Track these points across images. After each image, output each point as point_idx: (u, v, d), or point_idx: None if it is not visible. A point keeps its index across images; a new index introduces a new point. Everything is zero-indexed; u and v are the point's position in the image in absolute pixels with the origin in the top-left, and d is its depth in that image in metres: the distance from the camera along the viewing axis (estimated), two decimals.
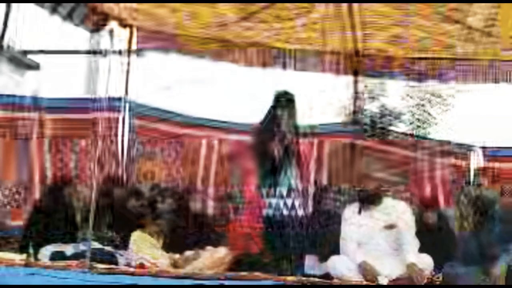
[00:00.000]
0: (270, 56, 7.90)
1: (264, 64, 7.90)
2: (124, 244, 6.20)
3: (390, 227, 5.46)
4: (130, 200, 6.83)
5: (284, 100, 5.93)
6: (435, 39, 7.10)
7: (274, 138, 5.78)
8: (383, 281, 5.18)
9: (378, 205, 5.51)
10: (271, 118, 5.93)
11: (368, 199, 5.52)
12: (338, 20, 6.83)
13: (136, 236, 6.09)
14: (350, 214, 5.61)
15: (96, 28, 7.11)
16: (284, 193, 5.74)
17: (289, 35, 7.51)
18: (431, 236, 6.05)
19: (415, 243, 5.41)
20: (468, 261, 5.12)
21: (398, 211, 5.52)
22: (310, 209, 6.52)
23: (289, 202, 5.73)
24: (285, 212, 5.72)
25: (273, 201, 5.75)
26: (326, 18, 6.77)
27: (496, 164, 7.43)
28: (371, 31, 7.12)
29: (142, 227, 6.62)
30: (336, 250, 5.54)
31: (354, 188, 5.69)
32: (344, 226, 5.57)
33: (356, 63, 7.89)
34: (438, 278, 5.32)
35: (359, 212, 5.56)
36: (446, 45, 7.22)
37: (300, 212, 5.78)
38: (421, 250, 5.43)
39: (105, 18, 7.11)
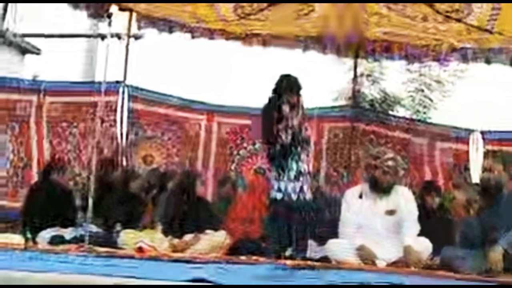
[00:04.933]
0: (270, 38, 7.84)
1: (264, 44, 7.86)
2: (122, 227, 6.21)
3: (391, 212, 5.44)
4: (129, 184, 6.82)
5: (289, 84, 5.89)
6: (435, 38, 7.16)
7: (281, 122, 5.76)
8: (381, 264, 5.18)
9: (387, 195, 5.48)
10: (276, 101, 5.90)
11: (380, 188, 5.47)
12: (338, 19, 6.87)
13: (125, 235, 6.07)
14: (351, 198, 5.58)
15: (97, 13, 7.07)
16: (293, 177, 5.73)
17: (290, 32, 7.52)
18: (431, 220, 6.03)
19: (415, 228, 5.39)
20: (467, 245, 5.12)
21: (400, 197, 5.50)
22: (315, 192, 6.49)
23: (297, 185, 5.71)
24: (293, 196, 5.70)
25: (282, 184, 5.73)
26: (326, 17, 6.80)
27: (498, 148, 7.44)
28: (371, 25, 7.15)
29: (141, 211, 6.65)
30: (334, 233, 5.53)
31: (366, 174, 5.62)
32: (345, 209, 5.56)
33: (357, 46, 7.83)
34: (435, 261, 5.32)
35: (360, 196, 5.54)
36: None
37: (308, 196, 5.76)
38: (420, 234, 5.42)
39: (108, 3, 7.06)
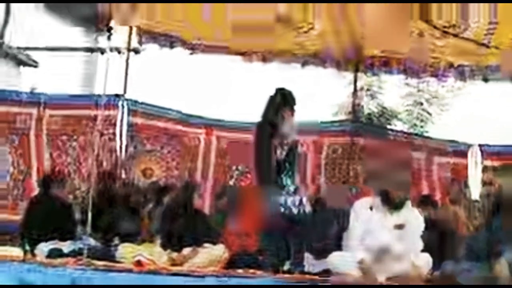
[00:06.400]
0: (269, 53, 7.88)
1: (264, 60, 7.89)
2: (120, 241, 6.20)
3: (400, 227, 5.43)
4: (128, 197, 6.82)
5: (283, 98, 5.89)
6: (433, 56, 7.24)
7: (275, 136, 5.75)
8: (381, 278, 5.18)
9: (399, 210, 5.48)
10: (270, 115, 5.89)
11: (392, 203, 5.46)
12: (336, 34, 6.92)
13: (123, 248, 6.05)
14: (360, 208, 5.56)
15: (97, 27, 7.09)
16: (288, 191, 5.70)
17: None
18: (429, 234, 6.03)
19: (418, 243, 5.42)
20: (471, 258, 5.15)
21: (410, 212, 5.51)
22: (315, 206, 6.49)
23: (291, 200, 5.69)
24: (293, 209, 5.66)
25: (277, 199, 5.70)
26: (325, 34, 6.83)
27: (497, 162, 7.47)
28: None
29: (140, 224, 6.64)
30: (335, 246, 5.53)
31: (381, 190, 5.59)
32: (353, 220, 5.53)
33: (356, 61, 7.87)
34: (435, 275, 5.33)
35: (370, 208, 5.51)
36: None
37: (307, 209, 5.74)
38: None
39: (108, 17, 7.07)
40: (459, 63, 7.44)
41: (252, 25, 6.79)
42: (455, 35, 6.65)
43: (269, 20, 6.66)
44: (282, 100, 5.86)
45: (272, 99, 5.89)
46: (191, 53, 7.75)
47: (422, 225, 5.50)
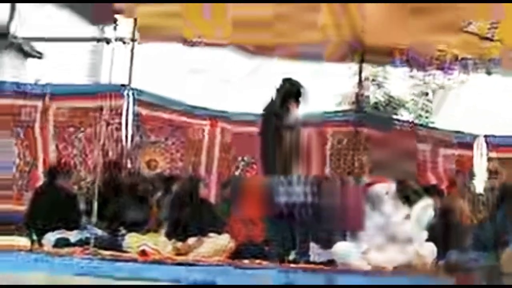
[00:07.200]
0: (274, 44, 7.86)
1: (267, 52, 7.87)
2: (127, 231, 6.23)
3: (408, 216, 5.46)
4: (135, 186, 6.84)
5: (289, 88, 5.90)
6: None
7: (281, 126, 5.76)
8: (386, 268, 5.20)
9: (411, 202, 5.51)
10: (276, 106, 5.90)
11: (406, 195, 5.50)
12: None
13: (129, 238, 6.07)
14: (377, 195, 5.56)
15: (102, 20, 7.09)
16: (295, 181, 5.72)
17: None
18: (435, 224, 6.05)
19: (423, 233, 5.45)
20: (478, 248, 5.18)
21: (419, 206, 5.54)
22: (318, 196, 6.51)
23: (299, 189, 5.70)
24: (296, 199, 5.68)
25: (283, 189, 5.71)
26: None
27: (501, 154, 7.48)
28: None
29: (145, 214, 6.67)
30: (342, 236, 5.55)
31: (397, 182, 5.61)
32: (371, 204, 5.54)
33: (361, 51, 7.85)
34: (439, 264, 5.35)
35: (386, 193, 5.54)
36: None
37: (310, 199, 5.75)
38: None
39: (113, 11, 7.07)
40: (463, 56, 7.44)
41: (253, 21, 6.81)
42: (459, 30, 6.65)
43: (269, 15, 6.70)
44: (289, 91, 5.88)
45: (278, 89, 5.90)
46: (192, 45, 7.75)
47: (431, 216, 5.52)
